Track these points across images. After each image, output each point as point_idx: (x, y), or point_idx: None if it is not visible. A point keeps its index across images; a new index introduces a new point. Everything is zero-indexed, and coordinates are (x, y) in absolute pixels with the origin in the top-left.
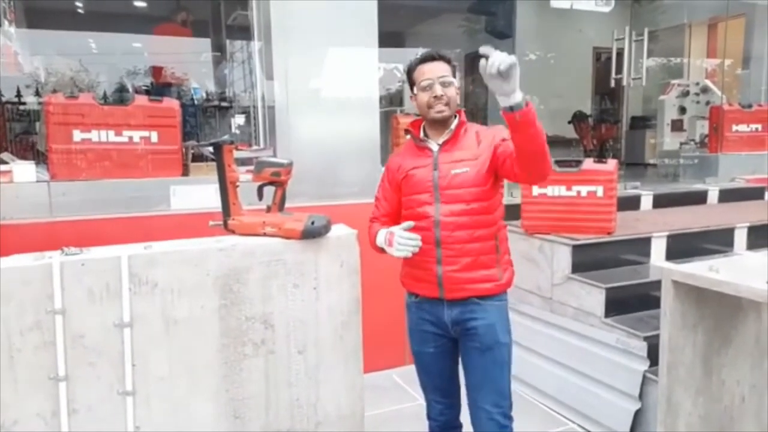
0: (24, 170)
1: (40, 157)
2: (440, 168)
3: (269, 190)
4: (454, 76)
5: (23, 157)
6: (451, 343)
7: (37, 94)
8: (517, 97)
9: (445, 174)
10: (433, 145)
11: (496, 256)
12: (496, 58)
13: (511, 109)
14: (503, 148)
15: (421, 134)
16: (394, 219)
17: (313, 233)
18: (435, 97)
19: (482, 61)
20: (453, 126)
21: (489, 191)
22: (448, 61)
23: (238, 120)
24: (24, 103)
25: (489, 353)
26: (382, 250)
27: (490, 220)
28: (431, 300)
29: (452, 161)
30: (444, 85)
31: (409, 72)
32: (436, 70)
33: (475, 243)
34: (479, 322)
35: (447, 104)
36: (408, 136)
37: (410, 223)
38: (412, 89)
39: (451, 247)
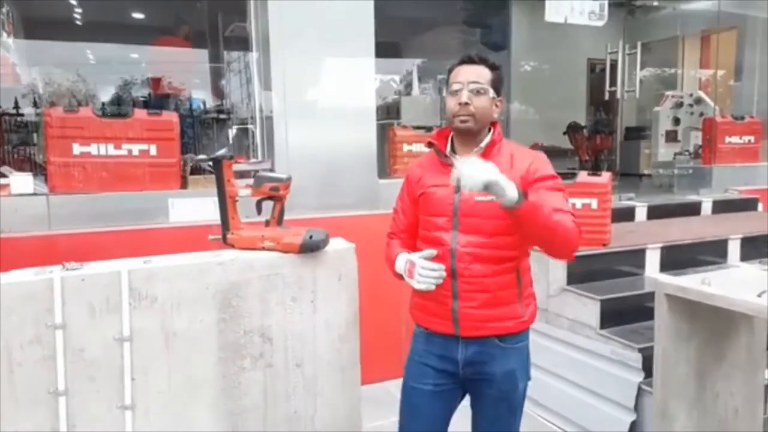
0: (21, 182)
1: (37, 169)
2: (463, 191)
3: (268, 204)
4: (496, 86)
5: (20, 169)
6: (453, 385)
7: (35, 105)
8: (510, 200)
9: (468, 198)
10: None
11: (518, 290)
12: (466, 182)
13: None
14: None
15: (448, 147)
16: (414, 235)
17: (311, 247)
18: (460, 104)
19: (453, 173)
20: (484, 143)
21: (514, 225)
22: (491, 67)
23: (238, 134)
24: (22, 114)
25: (505, 401)
26: (401, 277)
27: (512, 254)
28: (444, 335)
29: None
30: (475, 92)
31: (449, 74)
32: (470, 74)
33: (495, 277)
34: (497, 368)
35: (472, 115)
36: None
37: (432, 252)
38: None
39: (468, 280)
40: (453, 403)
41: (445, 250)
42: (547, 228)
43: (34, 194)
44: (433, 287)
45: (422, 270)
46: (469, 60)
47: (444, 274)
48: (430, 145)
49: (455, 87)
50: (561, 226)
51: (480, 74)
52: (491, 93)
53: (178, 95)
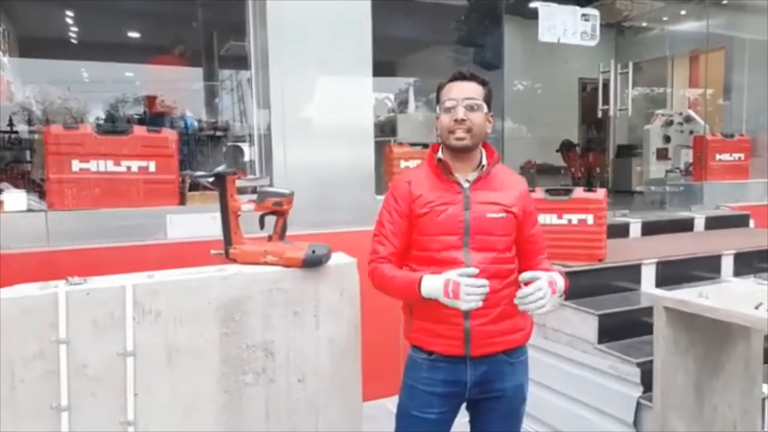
0: (14, 199)
1: (31, 186)
2: (473, 208)
3: (270, 220)
4: (489, 102)
5: (15, 186)
6: (457, 408)
7: (29, 122)
8: (561, 290)
9: (479, 216)
10: (463, 181)
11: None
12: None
13: None
14: (529, 242)
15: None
16: (402, 258)
17: (314, 262)
18: (456, 120)
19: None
20: (484, 161)
21: (513, 241)
22: (482, 83)
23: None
24: (16, 132)
25: (512, 416)
26: (419, 298)
27: (514, 267)
28: (450, 358)
29: (487, 202)
30: (469, 108)
31: (438, 91)
32: (464, 90)
33: (503, 291)
34: (507, 384)
35: (469, 131)
36: (402, 164)
37: (475, 270)
38: (437, 110)
39: None
40: (452, 423)
41: (459, 268)
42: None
43: (29, 211)
44: (480, 304)
45: (470, 288)
46: (461, 76)
47: (488, 289)
48: (439, 161)
49: (449, 104)
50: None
51: (474, 90)
52: (485, 108)
53: (171, 113)
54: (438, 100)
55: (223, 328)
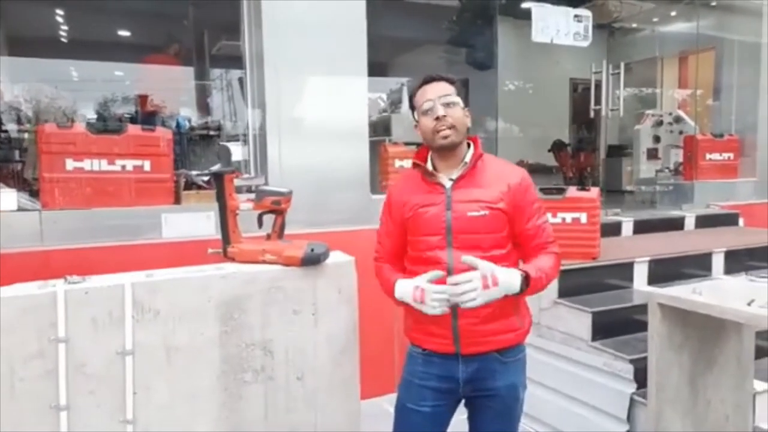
0: (5, 198)
1: (22, 185)
2: (454, 208)
3: (268, 219)
4: (461, 98)
5: (6, 185)
6: (453, 404)
7: (18, 121)
8: (514, 289)
9: (460, 215)
10: (445, 181)
11: (514, 301)
12: (463, 298)
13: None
14: (522, 236)
15: (429, 166)
16: (401, 257)
17: (312, 260)
18: (437, 118)
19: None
20: (467, 158)
21: (508, 237)
22: (451, 82)
23: (235, 153)
24: (6, 131)
25: (507, 415)
26: (400, 301)
27: (507, 265)
28: (443, 354)
29: (469, 200)
30: (447, 105)
31: (411, 98)
32: (438, 89)
33: None
34: (500, 383)
35: (452, 127)
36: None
37: (440, 273)
38: (414, 117)
39: None
40: (449, 419)
41: (441, 268)
42: (544, 286)
43: (20, 210)
44: (447, 310)
45: (434, 295)
46: (431, 79)
47: (447, 295)
48: (416, 166)
49: (427, 105)
50: (553, 274)
51: (447, 88)
52: (461, 104)
53: (161, 112)
54: (412, 107)
55: (223, 327)
